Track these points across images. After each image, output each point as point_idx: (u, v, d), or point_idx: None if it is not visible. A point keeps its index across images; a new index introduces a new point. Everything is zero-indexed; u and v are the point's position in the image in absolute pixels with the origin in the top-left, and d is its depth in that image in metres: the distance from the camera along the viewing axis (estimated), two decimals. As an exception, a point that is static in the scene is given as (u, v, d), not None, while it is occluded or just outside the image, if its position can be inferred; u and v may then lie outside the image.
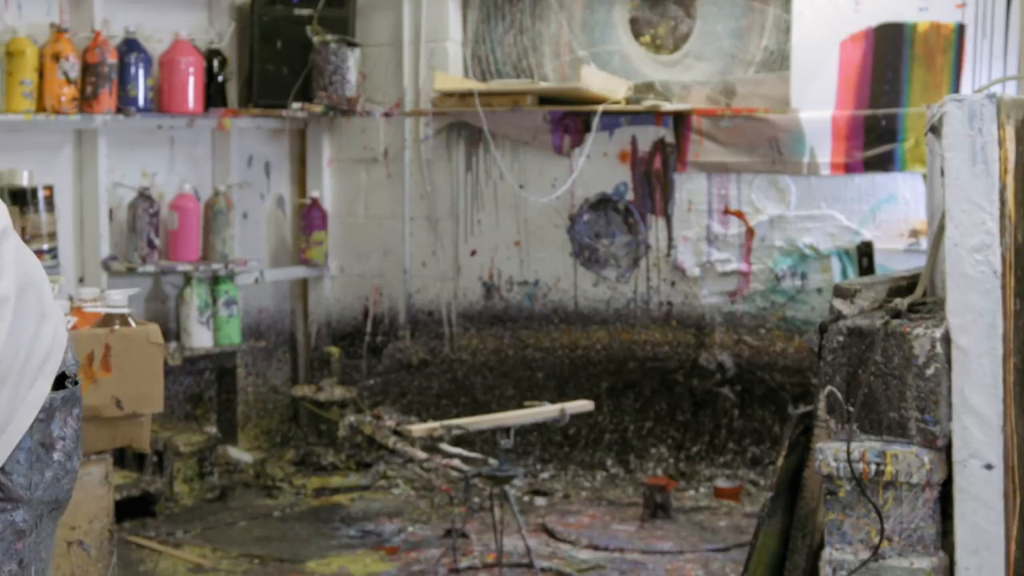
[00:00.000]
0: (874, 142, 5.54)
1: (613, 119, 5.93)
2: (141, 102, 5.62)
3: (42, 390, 1.89)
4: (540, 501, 5.62)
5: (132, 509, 5.30)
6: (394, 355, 6.40)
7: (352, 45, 6.17)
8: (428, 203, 6.32)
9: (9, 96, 5.24)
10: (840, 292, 3.12)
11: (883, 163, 5.54)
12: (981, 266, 2.91)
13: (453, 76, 6.14)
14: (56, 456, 1.92)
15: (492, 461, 4.83)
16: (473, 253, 6.26)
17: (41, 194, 5.27)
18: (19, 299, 1.86)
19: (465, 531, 5.05)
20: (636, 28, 6.03)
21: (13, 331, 1.85)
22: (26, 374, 1.87)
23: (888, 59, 5.52)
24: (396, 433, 5.71)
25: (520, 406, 5.45)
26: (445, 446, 5.20)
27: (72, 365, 1.97)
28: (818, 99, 5.59)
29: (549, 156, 6.08)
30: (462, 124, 6.21)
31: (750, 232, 5.82)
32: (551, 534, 5.16)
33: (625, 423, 6.03)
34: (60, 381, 1.94)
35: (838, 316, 3.06)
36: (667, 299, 5.97)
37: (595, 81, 5.80)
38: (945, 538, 2.99)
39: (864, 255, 5.42)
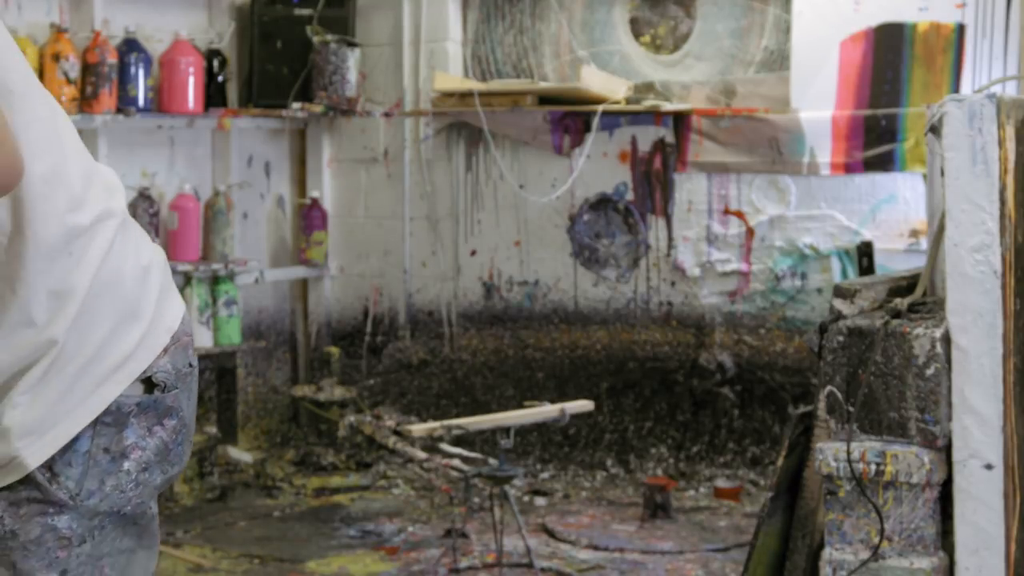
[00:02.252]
0: (874, 142, 5.54)
1: (613, 119, 5.93)
2: (141, 102, 5.62)
3: (108, 393, 1.80)
4: (540, 501, 5.62)
5: (132, 509, 5.30)
6: (394, 355, 6.40)
7: (352, 45, 6.18)
8: (428, 203, 6.32)
9: (9, 96, 5.23)
10: (840, 292, 3.12)
11: (883, 163, 5.55)
12: (981, 266, 2.91)
13: (453, 76, 6.14)
14: (127, 466, 1.82)
15: (492, 461, 4.83)
16: (473, 253, 6.26)
17: (41, 194, 5.27)
18: (94, 296, 1.79)
19: (465, 531, 5.05)
20: (636, 28, 6.03)
21: (77, 327, 1.78)
22: (89, 376, 1.79)
23: (888, 59, 5.52)
24: (396, 433, 5.71)
25: (520, 406, 5.45)
26: (445, 446, 5.20)
27: (165, 372, 1.85)
28: (818, 99, 5.59)
29: (549, 156, 6.08)
30: (462, 124, 6.21)
31: (750, 232, 5.82)
32: (551, 534, 5.16)
33: (625, 423, 6.03)
34: (149, 388, 1.84)
35: (838, 316, 3.06)
36: (667, 299, 5.98)
37: (595, 81, 5.80)
38: (945, 538, 2.99)
39: (864, 255, 5.42)
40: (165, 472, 1.88)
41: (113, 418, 1.81)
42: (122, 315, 1.82)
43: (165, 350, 1.86)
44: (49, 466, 1.77)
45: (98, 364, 1.80)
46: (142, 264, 1.88)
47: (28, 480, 1.77)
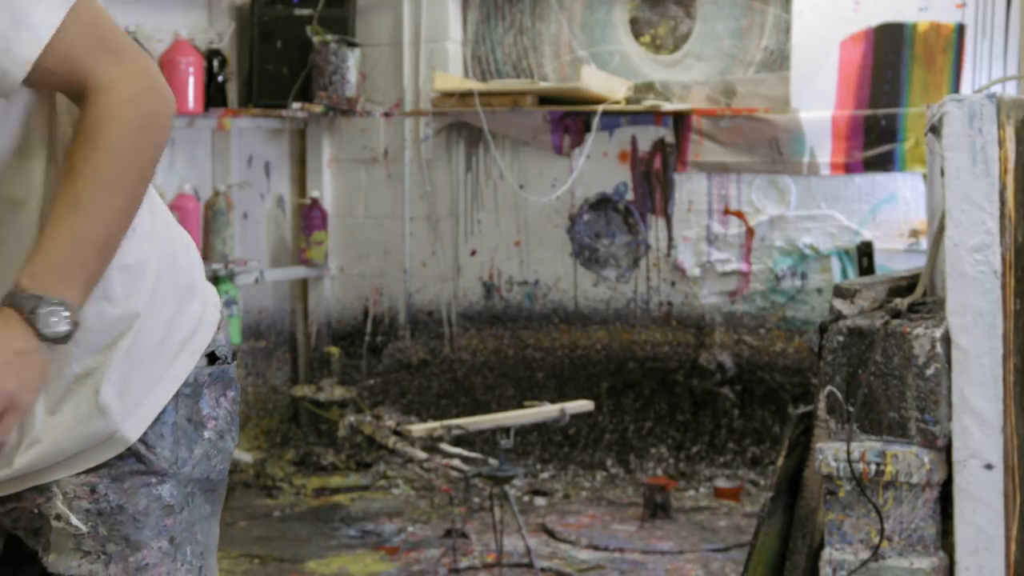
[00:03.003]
0: (874, 142, 5.54)
1: (613, 119, 5.93)
2: (141, 102, 5.60)
3: (185, 364, 1.86)
4: (540, 501, 5.62)
5: (132, 509, 5.29)
6: (394, 355, 6.40)
7: (352, 45, 6.17)
8: (428, 203, 6.32)
9: (9, 96, 5.23)
10: (840, 292, 3.12)
11: (883, 163, 5.55)
12: (981, 266, 2.91)
13: (453, 76, 6.14)
14: (207, 434, 1.88)
15: (492, 461, 4.83)
16: (473, 253, 6.26)
17: (41, 194, 5.27)
18: (160, 271, 1.83)
19: (465, 531, 5.05)
20: (636, 28, 6.03)
21: (150, 306, 1.81)
22: (166, 349, 1.84)
23: (888, 59, 5.52)
24: (396, 433, 5.71)
25: (520, 406, 5.45)
26: (445, 446, 5.20)
27: (223, 347, 1.94)
28: (818, 99, 5.59)
29: (549, 156, 6.08)
30: (462, 124, 6.21)
31: (750, 232, 5.82)
32: (551, 534, 5.16)
33: (625, 423, 6.03)
34: (211, 361, 1.91)
35: (838, 316, 3.06)
36: (667, 299, 5.98)
37: (595, 81, 5.80)
38: (945, 538, 2.99)
39: (864, 255, 5.42)
40: (234, 440, 1.94)
41: (191, 389, 1.86)
42: (183, 290, 1.88)
43: (218, 326, 1.94)
44: (143, 439, 1.81)
45: (171, 338, 1.85)
46: (184, 242, 1.93)
47: (128, 453, 1.80)
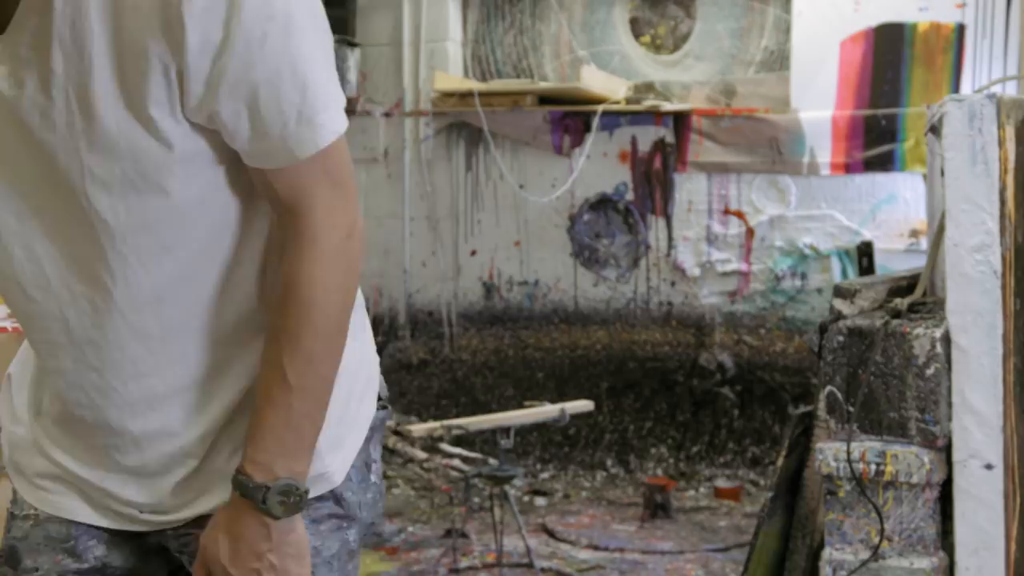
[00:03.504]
0: (874, 142, 5.54)
1: (613, 119, 5.93)
2: (141, 102, 5.60)
3: (371, 406, 1.80)
4: (540, 501, 5.62)
5: (132, 509, 5.29)
6: (394, 355, 6.40)
7: (352, 45, 6.17)
8: (428, 203, 6.32)
9: (9, 96, 5.23)
10: (840, 292, 3.12)
11: (883, 163, 5.55)
12: (981, 266, 2.91)
13: (453, 76, 6.14)
14: (372, 478, 1.82)
15: (492, 461, 4.82)
16: (473, 253, 6.26)
17: (41, 194, 5.27)
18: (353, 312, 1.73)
19: (465, 531, 5.05)
20: (636, 28, 6.03)
21: (349, 343, 1.71)
22: (357, 389, 1.78)
23: (888, 59, 5.52)
24: (396, 433, 5.71)
25: (520, 406, 5.45)
26: (445, 446, 5.20)
27: (384, 388, 1.86)
28: (818, 99, 5.60)
29: (549, 156, 6.08)
30: (462, 124, 6.21)
31: (750, 232, 5.82)
32: (551, 534, 5.16)
33: (625, 423, 6.03)
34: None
35: (838, 316, 3.06)
36: (667, 299, 5.97)
37: (595, 81, 5.80)
38: (945, 538, 2.98)
39: (864, 255, 5.42)
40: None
41: (370, 432, 1.80)
42: (362, 329, 1.81)
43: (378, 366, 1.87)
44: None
45: (359, 377, 1.78)
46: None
47: (328, 495, 1.74)
